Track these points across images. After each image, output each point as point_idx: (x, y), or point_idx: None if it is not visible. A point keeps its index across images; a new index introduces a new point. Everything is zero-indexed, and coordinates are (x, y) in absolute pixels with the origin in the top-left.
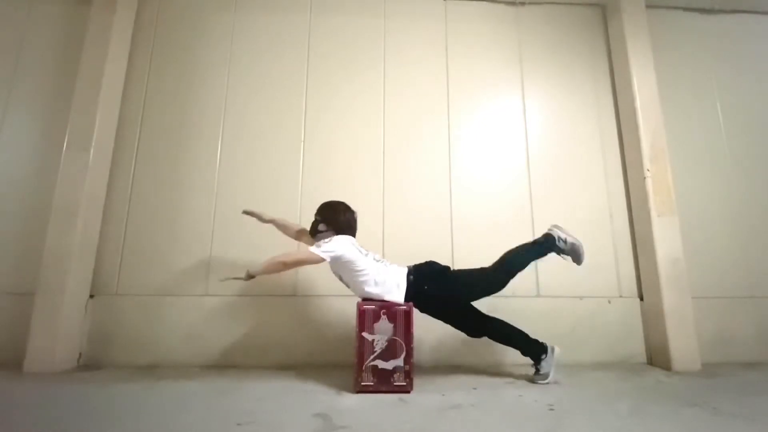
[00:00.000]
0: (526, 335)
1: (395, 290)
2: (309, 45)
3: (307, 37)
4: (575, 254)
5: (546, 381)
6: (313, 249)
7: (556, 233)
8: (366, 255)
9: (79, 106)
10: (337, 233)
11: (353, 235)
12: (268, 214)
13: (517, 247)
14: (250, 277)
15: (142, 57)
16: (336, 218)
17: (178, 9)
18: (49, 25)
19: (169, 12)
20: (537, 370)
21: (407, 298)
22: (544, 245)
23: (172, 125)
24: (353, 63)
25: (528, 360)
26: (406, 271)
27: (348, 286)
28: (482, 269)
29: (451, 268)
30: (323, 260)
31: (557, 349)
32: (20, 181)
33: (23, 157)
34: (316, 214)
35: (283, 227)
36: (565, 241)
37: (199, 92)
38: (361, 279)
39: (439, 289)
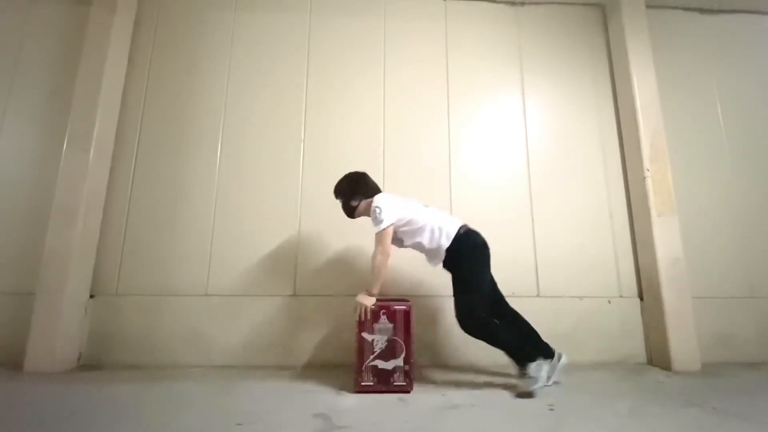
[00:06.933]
0: (523, 345)
1: (445, 241)
2: (309, 45)
3: (307, 36)
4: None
5: (534, 388)
6: (376, 231)
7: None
8: (408, 201)
9: (79, 106)
10: (369, 196)
11: (380, 189)
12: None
13: (508, 338)
14: (372, 295)
15: (142, 57)
16: (357, 186)
17: (178, 9)
18: (49, 25)
19: (169, 12)
20: (525, 375)
21: (449, 248)
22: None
23: (172, 125)
24: (353, 63)
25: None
26: (458, 225)
27: (403, 241)
28: (479, 293)
29: (482, 251)
30: (390, 229)
31: (548, 366)
32: (20, 181)
33: (23, 157)
34: (339, 196)
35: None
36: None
37: (199, 92)
38: (415, 226)
39: (459, 261)
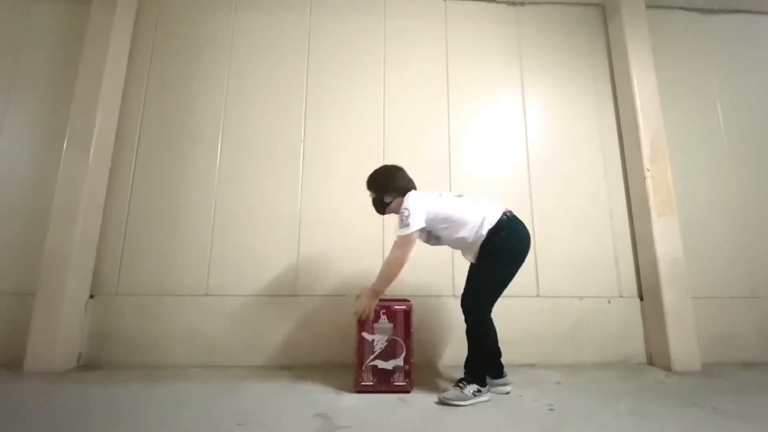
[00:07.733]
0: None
1: (487, 227)
2: (309, 45)
3: (307, 36)
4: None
5: (455, 402)
6: (400, 234)
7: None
8: (441, 195)
9: (79, 106)
10: (403, 194)
11: (415, 186)
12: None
13: (480, 344)
14: (377, 295)
15: (142, 57)
16: (393, 182)
17: (178, 9)
18: (49, 25)
19: (169, 12)
20: (459, 387)
21: (489, 234)
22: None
23: (172, 125)
24: (353, 63)
25: (530, 361)
26: (501, 211)
27: (441, 239)
28: (486, 291)
29: (518, 244)
30: (416, 235)
31: (486, 398)
32: (21, 182)
33: (23, 158)
34: (372, 191)
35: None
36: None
37: (199, 92)
38: (452, 222)
39: (490, 250)
